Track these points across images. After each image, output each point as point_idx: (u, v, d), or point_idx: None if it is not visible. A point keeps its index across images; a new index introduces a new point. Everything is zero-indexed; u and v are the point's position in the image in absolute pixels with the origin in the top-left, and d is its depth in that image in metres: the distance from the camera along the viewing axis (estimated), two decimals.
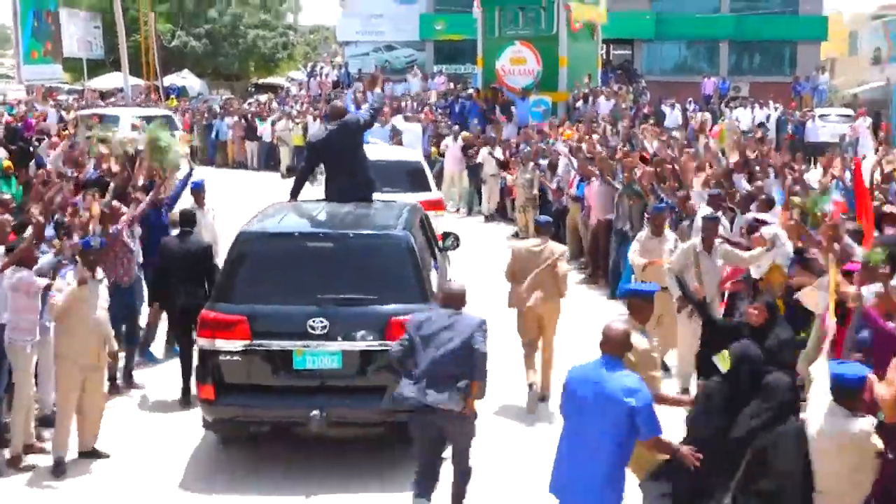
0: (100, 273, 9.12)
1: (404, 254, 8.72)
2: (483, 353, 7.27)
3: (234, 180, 27.74)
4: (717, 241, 10.56)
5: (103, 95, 43.06)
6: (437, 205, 14.61)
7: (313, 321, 8.31)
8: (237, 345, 8.35)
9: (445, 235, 11.52)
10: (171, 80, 47.97)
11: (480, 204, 22.53)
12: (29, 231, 9.40)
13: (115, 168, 13.52)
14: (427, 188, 15.37)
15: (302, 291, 8.29)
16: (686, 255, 10.45)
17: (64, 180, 12.60)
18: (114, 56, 45.80)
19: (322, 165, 11.32)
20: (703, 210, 12.09)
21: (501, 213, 21.93)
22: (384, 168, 12.12)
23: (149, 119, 23.61)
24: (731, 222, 12.09)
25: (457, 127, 23.86)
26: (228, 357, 8.42)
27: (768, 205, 11.96)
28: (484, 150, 21.84)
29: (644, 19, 43.21)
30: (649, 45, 45.07)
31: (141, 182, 12.60)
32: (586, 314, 12.67)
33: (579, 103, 24.40)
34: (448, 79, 37.21)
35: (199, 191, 12.57)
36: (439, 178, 23.79)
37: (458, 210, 23.01)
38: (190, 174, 12.97)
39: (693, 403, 7.14)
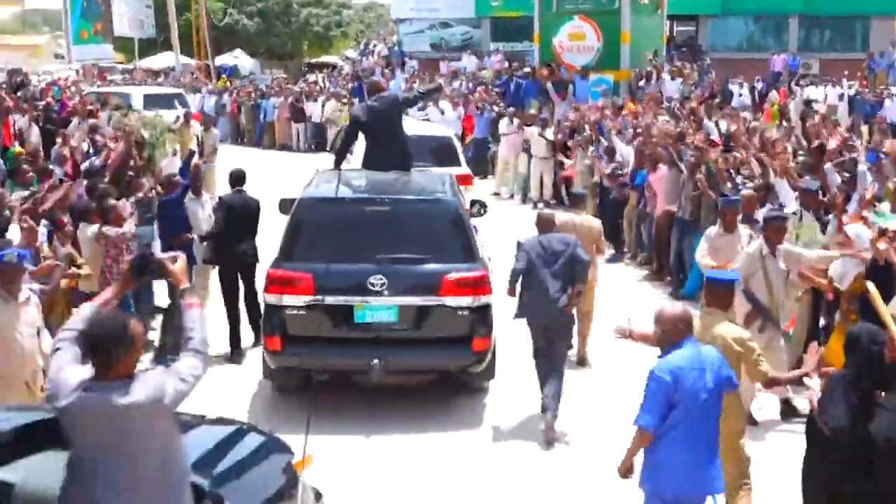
0: (24, 293, 7.50)
1: (455, 217, 9.43)
2: (584, 260, 8.94)
3: (279, 161, 26.48)
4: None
5: (155, 75, 42.09)
6: (466, 179, 14.81)
7: (372, 278, 8.85)
8: (303, 300, 8.91)
9: (472, 203, 11.74)
10: (223, 59, 46.87)
11: None
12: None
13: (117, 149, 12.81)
14: (457, 163, 15.51)
15: (361, 252, 8.78)
16: (752, 260, 8.71)
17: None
18: (165, 35, 44.75)
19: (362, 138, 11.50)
20: (791, 204, 10.31)
21: (559, 201, 20.17)
22: (416, 142, 12.25)
23: (161, 97, 23.95)
24: (821, 223, 10.19)
25: (511, 109, 22.09)
26: (294, 311, 8.99)
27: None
28: (532, 130, 20.02)
29: None
30: (714, 20, 42.78)
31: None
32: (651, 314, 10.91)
33: (643, 82, 22.35)
34: (505, 57, 35.36)
35: (196, 178, 12.03)
36: (494, 161, 22.22)
37: (511, 196, 21.28)
38: (190, 158, 12.53)
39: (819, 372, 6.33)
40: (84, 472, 4.48)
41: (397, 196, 9.80)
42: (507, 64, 32.66)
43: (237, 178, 11.40)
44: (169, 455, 4.59)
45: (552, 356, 8.95)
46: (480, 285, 9.03)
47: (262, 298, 9.46)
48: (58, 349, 4.66)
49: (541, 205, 20.49)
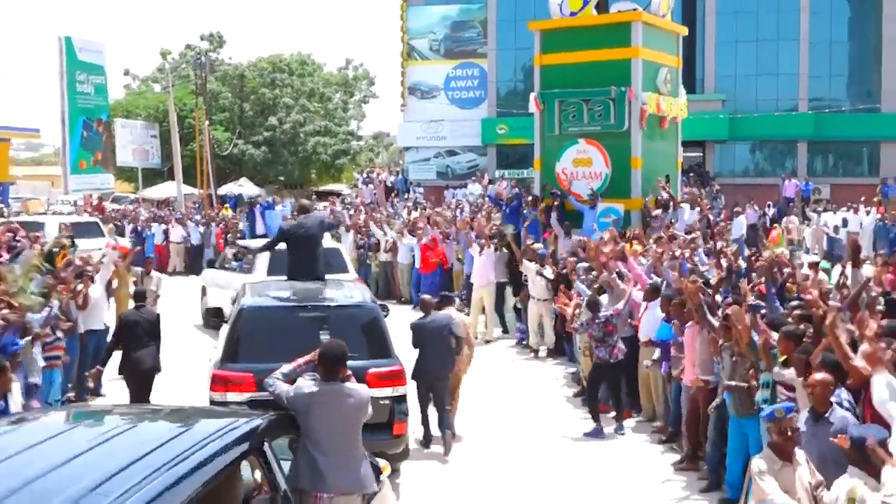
0: None
1: (374, 320, 10.22)
2: (460, 336, 11.62)
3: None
4: None
5: (158, 204, 39.55)
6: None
7: (306, 375, 8.61)
8: (245, 397, 9.30)
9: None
10: (227, 188, 44.14)
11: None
12: None
13: None
14: (345, 269, 17.71)
15: (295, 352, 8.26)
16: None
17: None
18: (170, 164, 42.18)
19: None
20: None
21: (559, 351, 16.76)
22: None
23: (77, 227, 23.90)
24: None
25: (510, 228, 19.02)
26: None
27: None
28: (529, 266, 16.73)
29: (716, 119, 38.24)
30: (721, 145, 40.12)
31: None
32: None
33: (657, 211, 18.92)
34: (511, 185, 32.41)
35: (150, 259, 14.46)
36: (469, 291, 19.02)
37: (484, 339, 18.32)
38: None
39: None
40: None
41: (324, 302, 10.50)
42: (514, 190, 29.54)
43: (139, 296, 12.89)
44: None
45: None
46: (398, 378, 9.93)
47: (208, 396, 9.75)
48: None
49: (542, 352, 17.05)
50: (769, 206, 32.98)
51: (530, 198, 20.91)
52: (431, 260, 21.67)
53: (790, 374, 8.15)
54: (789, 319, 9.21)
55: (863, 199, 30.30)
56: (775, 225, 30.13)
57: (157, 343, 12.20)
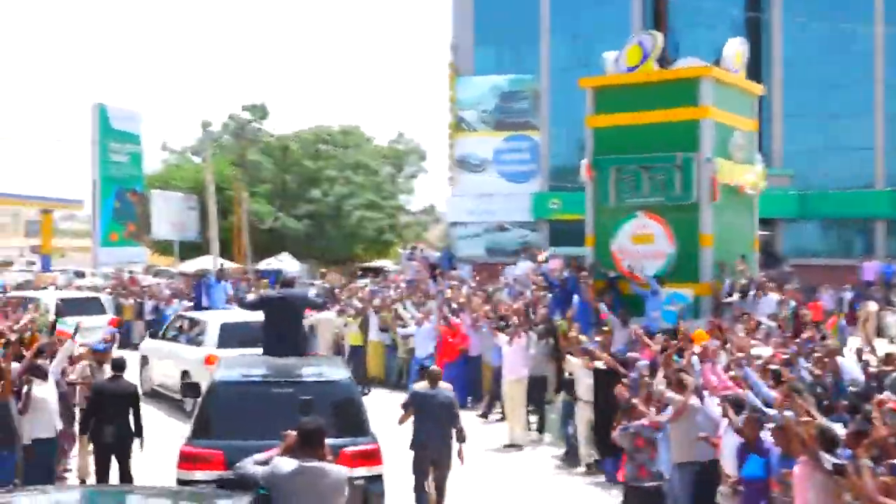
0: None
1: (350, 396, 9.88)
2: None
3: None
4: None
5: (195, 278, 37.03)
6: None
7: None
8: (214, 475, 8.85)
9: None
10: (268, 262, 41.53)
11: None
12: None
13: None
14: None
15: (267, 429, 8.29)
16: None
17: None
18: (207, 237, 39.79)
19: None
20: None
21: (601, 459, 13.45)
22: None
23: (78, 302, 23.48)
24: None
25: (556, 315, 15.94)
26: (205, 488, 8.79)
27: None
28: (574, 362, 13.60)
29: (786, 195, 34.92)
30: (791, 223, 36.66)
31: None
32: None
33: (734, 297, 15.57)
34: (565, 262, 29.24)
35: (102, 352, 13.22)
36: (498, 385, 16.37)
37: (521, 446, 15.31)
38: None
39: None
40: None
41: (299, 378, 10.04)
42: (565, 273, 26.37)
43: (117, 366, 12.11)
44: None
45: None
46: (373, 457, 9.43)
47: (175, 474, 9.18)
48: None
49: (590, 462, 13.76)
50: (847, 289, 29.53)
51: (582, 273, 17.70)
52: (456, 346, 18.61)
53: None
54: None
55: None
56: (856, 310, 26.66)
57: (134, 414, 11.77)
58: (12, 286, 31.99)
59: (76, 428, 12.48)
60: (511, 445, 15.47)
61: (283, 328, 11.42)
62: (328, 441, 7.40)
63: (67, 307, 22.39)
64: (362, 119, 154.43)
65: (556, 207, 40.01)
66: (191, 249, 42.71)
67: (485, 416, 17.46)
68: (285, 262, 43.30)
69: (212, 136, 49.71)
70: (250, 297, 19.12)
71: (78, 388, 12.96)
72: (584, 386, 13.62)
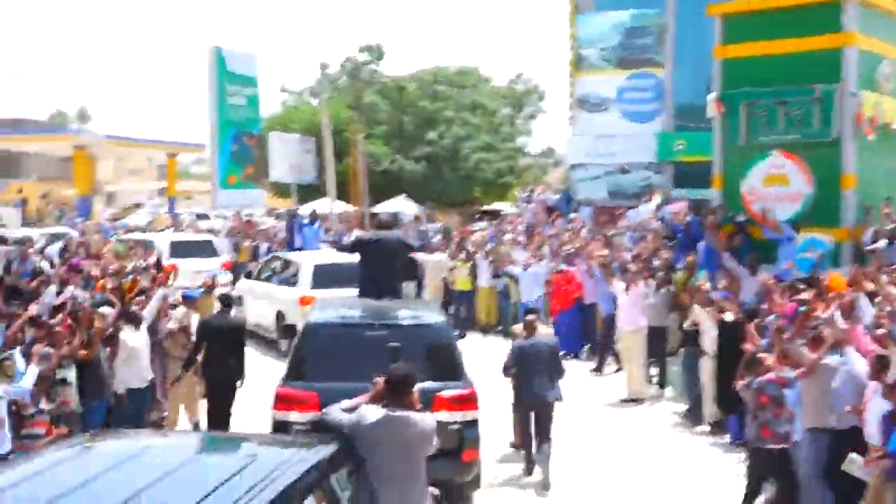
0: None
1: (446, 340, 9.85)
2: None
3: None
4: None
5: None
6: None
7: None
8: (308, 416, 8.73)
9: None
10: (384, 206, 41.15)
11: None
12: None
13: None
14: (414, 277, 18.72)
15: (361, 372, 8.04)
16: None
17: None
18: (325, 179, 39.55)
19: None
20: None
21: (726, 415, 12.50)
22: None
23: (190, 245, 23.33)
24: None
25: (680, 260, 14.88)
26: (300, 428, 8.86)
27: None
28: (700, 312, 12.57)
29: None
30: None
31: None
32: None
33: (880, 243, 14.08)
34: (689, 206, 27.85)
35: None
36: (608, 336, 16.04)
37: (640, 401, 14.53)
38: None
39: None
40: None
41: (394, 321, 9.96)
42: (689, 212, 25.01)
43: (225, 302, 12.42)
44: None
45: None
46: (468, 402, 9.32)
47: (271, 415, 9.35)
48: None
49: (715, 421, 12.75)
50: None
51: (710, 217, 16.41)
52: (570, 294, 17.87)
53: None
54: None
55: None
56: None
57: (240, 352, 11.96)
58: (125, 230, 32.56)
59: (173, 373, 12.18)
60: (629, 400, 14.62)
61: (378, 271, 11.33)
62: (422, 386, 7.23)
63: (180, 250, 22.47)
64: (480, 59, 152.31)
65: (681, 148, 38.24)
66: (309, 192, 42.63)
67: (598, 370, 16.69)
68: (402, 205, 42.97)
69: (329, 78, 49.34)
70: (347, 239, 18.86)
71: (176, 336, 12.56)
72: (710, 338, 12.56)
